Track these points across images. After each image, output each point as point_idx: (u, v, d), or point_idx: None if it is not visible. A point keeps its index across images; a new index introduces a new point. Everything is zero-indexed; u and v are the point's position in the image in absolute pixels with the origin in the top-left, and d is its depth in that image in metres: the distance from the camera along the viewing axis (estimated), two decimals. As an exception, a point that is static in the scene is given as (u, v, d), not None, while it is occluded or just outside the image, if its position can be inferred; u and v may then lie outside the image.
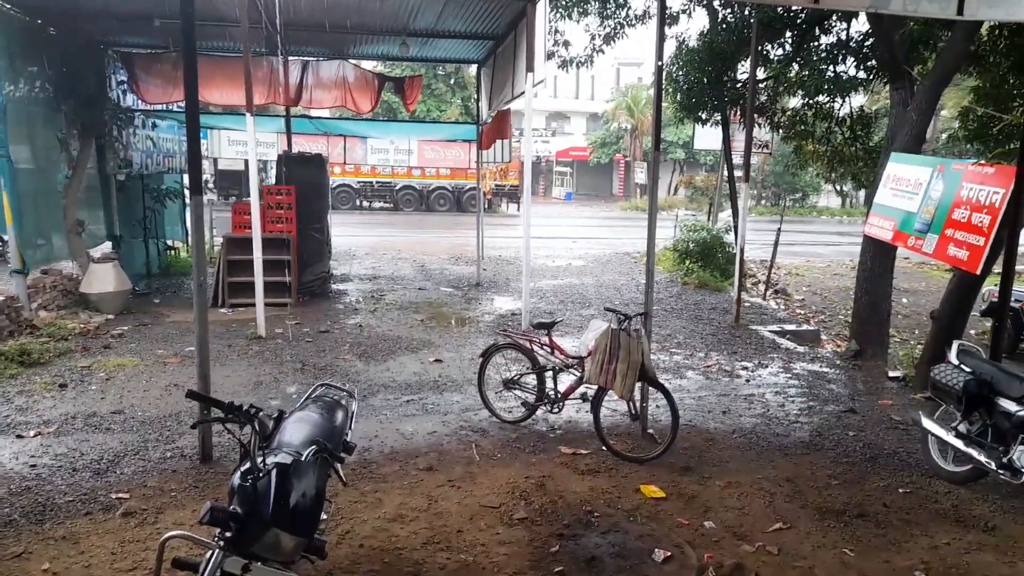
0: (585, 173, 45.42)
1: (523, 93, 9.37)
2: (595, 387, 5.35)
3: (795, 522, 4.37)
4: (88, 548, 3.83)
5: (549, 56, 13.40)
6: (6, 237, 13.49)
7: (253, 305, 8.62)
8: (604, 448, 5.28)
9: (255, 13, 8.50)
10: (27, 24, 9.04)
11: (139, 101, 11.59)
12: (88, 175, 10.32)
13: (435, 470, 4.96)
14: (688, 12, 13.20)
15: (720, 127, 13.54)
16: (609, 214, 34.06)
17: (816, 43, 11.26)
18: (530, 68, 8.87)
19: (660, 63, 5.72)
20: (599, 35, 13.66)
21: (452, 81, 36.59)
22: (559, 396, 5.71)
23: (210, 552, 2.55)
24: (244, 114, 8.39)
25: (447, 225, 24.67)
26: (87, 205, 10.46)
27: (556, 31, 13.79)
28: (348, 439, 3.39)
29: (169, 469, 4.86)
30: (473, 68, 18.33)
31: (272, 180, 12.42)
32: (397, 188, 30.70)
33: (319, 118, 16.06)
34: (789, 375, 7.71)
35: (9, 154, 8.23)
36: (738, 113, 13.29)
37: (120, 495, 4.44)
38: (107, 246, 11.11)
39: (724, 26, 12.02)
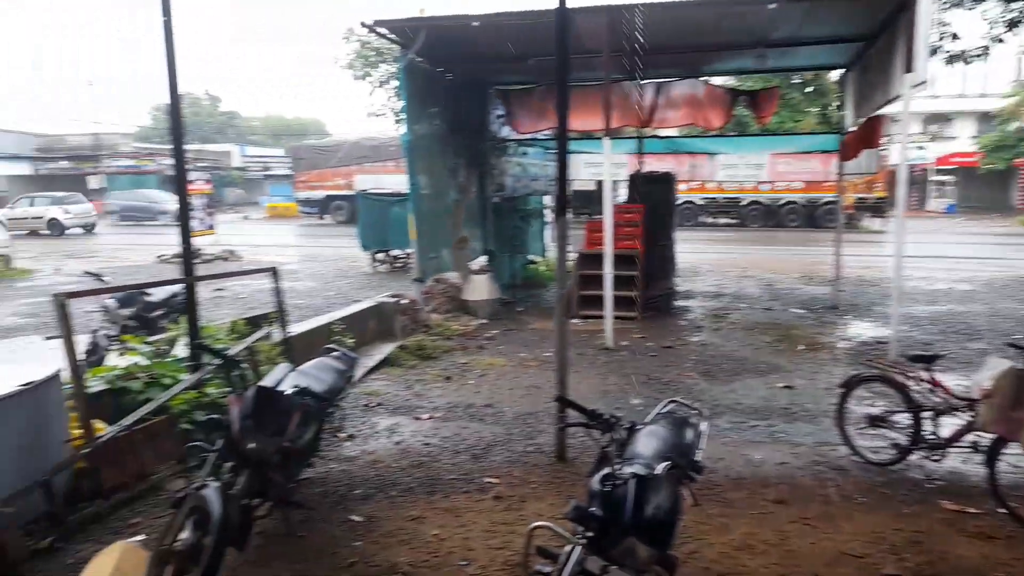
0: (972, 182, 38.63)
1: (899, 97, 8.37)
2: (991, 436, 4.50)
3: None
4: (467, 522, 4.42)
5: (933, 52, 11.71)
6: (395, 252, 16.55)
7: (601, 317, 9.11)
8: (1002, 510, 4.40)
9: (617, 43, 9.01)
10: (430, 72, 10.83)
11: (512, 132, 13.12)
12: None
13: (787, 504, 4.65)
14: None
15: None
16: (1005, 230, 28.45)
17: None
18: (908, 68, 7.88)
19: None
20: (1001, 21, 11.52)
21: (811, 89, 34.14)
22: (941, 441, 4.92)
23: (571, 547, 2.73)
24: (598, 138, 8.94)
25: (798, 242, 23.09)
26: (467, 224, 12.14)
27: (941, 23, 11.99)
28: (697, 459, 3.36)
29: (530, 463, 5.36)
30: (834, 74, 16.91)
31: (622, 199, 13.03)
32: (743, 203, 29.76)
33: (668, 137, 16.35)
34: None
35: (416, 182, 9.97)
36: None
37: (491, 479, 5.04)
38: (483, 259, 12.76)
39: None
